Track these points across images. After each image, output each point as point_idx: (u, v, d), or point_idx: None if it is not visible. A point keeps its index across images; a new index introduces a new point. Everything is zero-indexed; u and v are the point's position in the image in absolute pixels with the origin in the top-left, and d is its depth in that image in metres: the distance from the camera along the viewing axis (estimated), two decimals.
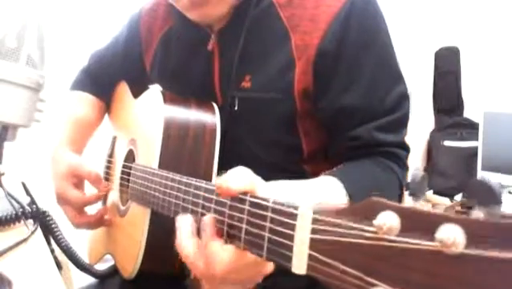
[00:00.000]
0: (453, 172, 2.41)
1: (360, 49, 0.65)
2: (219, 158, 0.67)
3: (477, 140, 2.19)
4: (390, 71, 0.68)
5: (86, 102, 0.96)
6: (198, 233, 0.46)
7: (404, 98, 0.68)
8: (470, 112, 2.52)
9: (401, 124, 0.69)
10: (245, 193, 0.41)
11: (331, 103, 0.67)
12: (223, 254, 0.41)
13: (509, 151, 2.05)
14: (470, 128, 2.43)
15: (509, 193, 1.79)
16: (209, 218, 0.44)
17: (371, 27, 0.66)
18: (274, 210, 0.37)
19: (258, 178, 0.44)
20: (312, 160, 0.74)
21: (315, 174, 0.74)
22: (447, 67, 2.58)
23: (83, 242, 0.96)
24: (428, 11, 2.58)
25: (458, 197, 2.10)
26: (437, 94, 2.62)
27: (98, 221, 0.81)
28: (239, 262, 0.41)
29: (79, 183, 0.81)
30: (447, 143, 2.51)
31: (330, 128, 0.70)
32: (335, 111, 0.67)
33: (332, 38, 0.64)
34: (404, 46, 1.81)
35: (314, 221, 0.33)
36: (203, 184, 0.48)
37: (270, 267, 0.44)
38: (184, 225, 0.46)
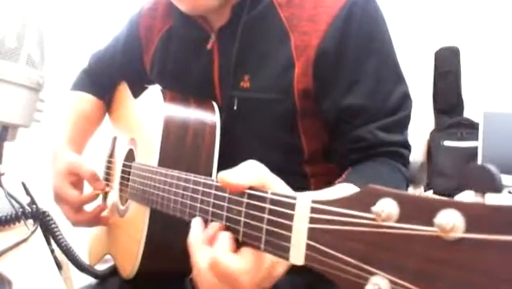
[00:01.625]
0: (453, 173, 2.41)
1: (361, 50, 0.65)
2: (219, 158, 0.66)
3: (477, 140, 2.19)
4: (392, 71, 0.68)
5: (86, 102, 0.96)
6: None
7: (406, 98, 0.68)
8: (470, 112, 2.52)
9: (404, 124, 0.69)
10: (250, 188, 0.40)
11: (334, 103, 0.66)
12: (244, 266, 0.38)
13: (510, 151, 2.05)
14: (470, 128, 2.44)
15: (510, 192, 1.79)
16: (226, 234, 0.41)
17: (371, 28, 0.66)
18: (273, 201, 0.37)
19: (271, 175, 0.42)
20: (313, 161, 0.73)
21: (317, 175, 0.74)
22: (447, 67, 2.58)
23: (83, 242, 0.96)
24: (428, 11, 2.58)
25: (458, 198, 2.10)
26: (437, 94, 2.62)
27: (95, 219, 0.81)
28: (261, 268, 0.39)
29: (77, 182, 0.81)
30: (447, 143, 2.50)
31: (333, 129, 0.70)
32: (339, 112, 0.66)
33: (332, 38, 0.64)
34: (404, 46, 1.81)
35: (313, 210, 0.32)
36: (202, 179, 0.48)
37: (283, 268, 0.42)
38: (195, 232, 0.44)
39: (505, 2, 2.43)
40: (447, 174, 2.43)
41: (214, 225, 0.44)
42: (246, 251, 0.39)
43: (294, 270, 0.41)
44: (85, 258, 0.78)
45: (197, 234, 0.44)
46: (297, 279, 0.66)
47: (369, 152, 0.66)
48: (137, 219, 0.68)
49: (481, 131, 2.16)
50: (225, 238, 0.41)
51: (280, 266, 0.41)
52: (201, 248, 0.42)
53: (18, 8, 0.59)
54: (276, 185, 0.41)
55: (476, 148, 2.20)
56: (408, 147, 0.69)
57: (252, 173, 0.41)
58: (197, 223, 0.46)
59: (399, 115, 0.67)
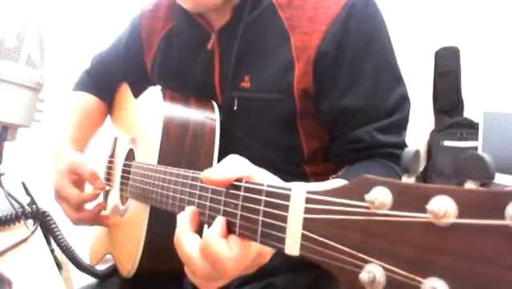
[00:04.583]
0: (453, 173, 2.41)
1: (360, 51, 0.65)
2: (218, 158, 0.67)
3: (477, 140, 2.19)
4: (390, 72, 0.68)
5: (88, 102, 0.96)
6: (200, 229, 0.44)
7: (404, 100, 0.69)
8: (470, 112, 2.52)
9: (402, 125, 0.69)
10: (240, 180, 0.41)
11: (332, 104, 0.67)
12: (230, 253, 0.39)
13: (510, 151, 2.05)
14: (470, 128, 2.43)
15: None
16: (221, 219, 0.42)
17: (370, 30, 0.66)
18: (268, 193, 0.37)
19: (255, 167, 0.43)
20: (312, 161, 0.74)
21: (316, 175, 0.74)
22: (447, 67, 2.58)
23: (83, 242, 0.96)
24: (428, 11, 2.58)
25: None
26: (437, 94, 2.62)
27: (95, 217, 0.81)
28: (247, 257, 0.40)
29: (78, 181, 0.81)
30: (447, 143, 2.50)
31: (331, 130, 0.70)
32: (337, 113, 0.67)
33: (332, 39, 0.64)
34: (404, 46, 1.81)
35: (308, 200, 0.33)
36: (199, 175, 0.48)
37: (267, 257, 0.43)
38: (183, 220, 0.44)
39: (506, 2, 2.43)
40: (447, 174, 2.42)
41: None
42: (234, 239, 0.40)
43: (295, 269, 0.42)
44: (85, 258, 0.78)
45: (185, 223, 0.45)
46: (298, 279, 0.66)
47: (366, 153, 0.66)
48: (137, 218, 0.68)
49: (481, 131, 2.16)
50: (220, 222, 0.41)
51: (264, 256, 0.42)
52: (189, 235, 0.43)
53: (18, 8, 0.59)
54: (261, 176, 0.42)
55: (476, 148, 2.20)
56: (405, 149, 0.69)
57: (235, 166, 0.41)
58: (184, 216, 0.46)
59: (396, 116, 0.67)
